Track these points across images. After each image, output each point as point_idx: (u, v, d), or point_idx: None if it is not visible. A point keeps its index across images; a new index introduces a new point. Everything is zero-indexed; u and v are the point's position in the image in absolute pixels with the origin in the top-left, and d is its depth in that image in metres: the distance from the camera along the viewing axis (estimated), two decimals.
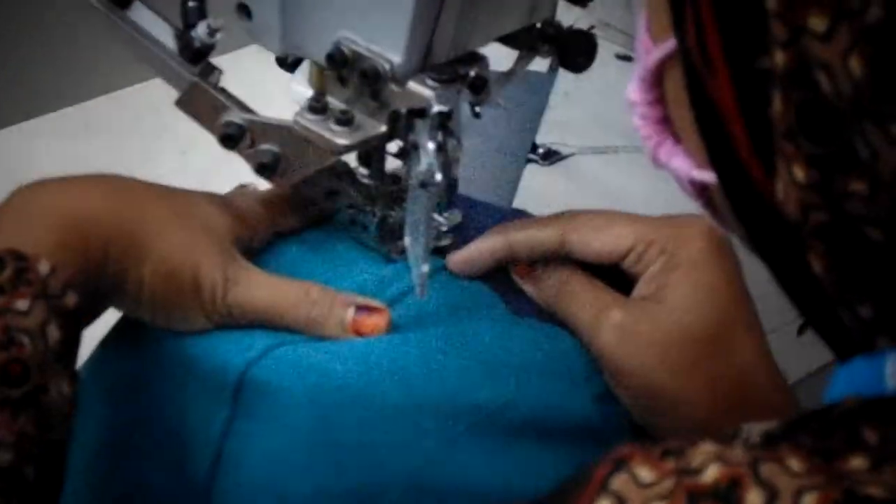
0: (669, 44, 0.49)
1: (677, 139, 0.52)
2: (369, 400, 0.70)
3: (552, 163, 0.96)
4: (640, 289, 0.76)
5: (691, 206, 0.91)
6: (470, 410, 0.71)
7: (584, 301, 0.76)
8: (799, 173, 0.43)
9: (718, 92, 0.45)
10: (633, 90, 0.53)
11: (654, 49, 0.51)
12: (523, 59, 0.77)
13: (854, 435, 0.42)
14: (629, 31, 1.11)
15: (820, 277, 0.45)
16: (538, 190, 0.92)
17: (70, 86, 1.22)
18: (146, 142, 1.04)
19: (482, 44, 0.73)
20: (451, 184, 0.75)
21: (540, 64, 0.79)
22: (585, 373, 0.74)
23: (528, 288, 0.78)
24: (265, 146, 0.73)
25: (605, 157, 0.97)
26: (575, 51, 0.76)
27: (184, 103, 0.74)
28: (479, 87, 0.72)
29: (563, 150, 0.97)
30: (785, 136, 0.43)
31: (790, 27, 0.41)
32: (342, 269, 0.77)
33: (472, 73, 0.72)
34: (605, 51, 1.07)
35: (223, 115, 0.73)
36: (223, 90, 0.74)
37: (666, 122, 0.52)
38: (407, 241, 0.71)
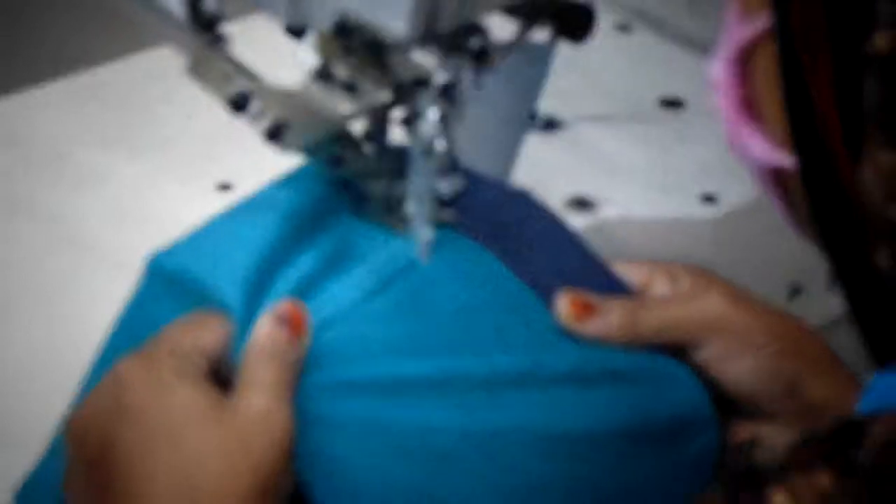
0: (763, 21, 0.48)
1: (757, 122, 0.51)
2: None
3: (552, 131, 0.96)
4: None
5: (686, 173, 0.93)
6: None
7: (663, 303, 0.75)
8: (891, 160, 0.43)
9: (815, 75, 0.44)
10: (718, 69, 0.52)
11: (745, 26, 0.49)
12: (524, 30, 0.77)
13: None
14: (628, 2, 1.11)
15: (883, 271, 0.45)
16: (539, 157, 0.93)
17: (77, 53, 1.22)
18: (152, 107, 1.04)
19: (484, 14, 0.73)
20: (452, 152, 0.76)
21: (541, 36, 0.80)
22: None
23: (594, 327, 0.73)
24: (272, 112, 0.73)
25: (603, 125, 0.97)
26: (574, 22, 0.76)
27: (193, 71, 0.75)
28: (481, 58, 0.72)
29: (564, 119, 0.97)
30: (877, 122, 0.42)
31: None
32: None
33: (475, 44, 0.72)
34: (605, 21, 1.07)
35: (232, 83, 0.74)
36: (231, 58, 0.75)
37: (747, 105, 0.51)
38: (411, 207, 0.72)
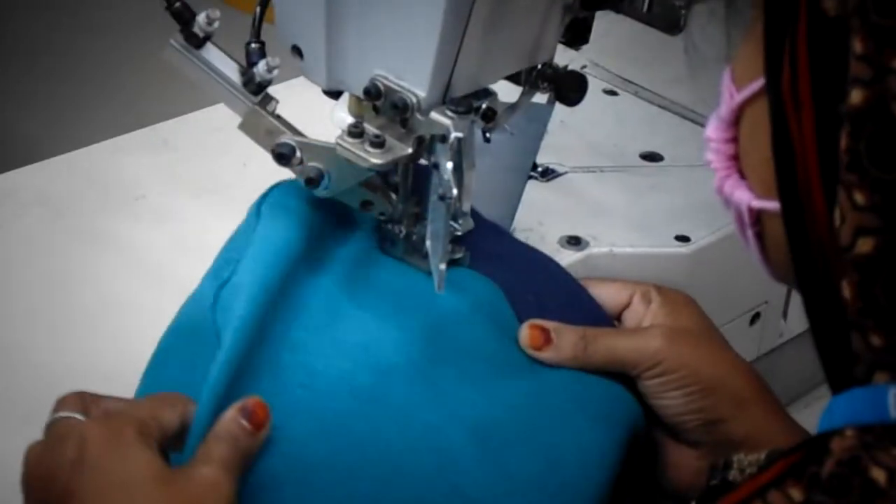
0: (752, 87, 0.48)
1: (742, 175, 0.51)
2: None
3: (549, 179, 0.95)
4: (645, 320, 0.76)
5: (662, 216, 0.91)
6: None
7: (613, 335, 0.75)
8: (860, 198, 0.42)
9: (801, 129, 0.44)
10: (712, 128, 0.51)
11: (737, 93, 0.49)
12: (526, 94, 0.76)
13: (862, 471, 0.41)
14: (615, 71, 1.10)
15: (847, 302, 0.43)
16: (538, 202, 0.92)
17: (151, 109, 1.23)
18: (212, 155, 1.04)
19: (493, 81, 0.73)
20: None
21: (540, 98, 0.79)
22: None
23: (547, 355, 0.73)
24: (312, 163, 0.72)
25: (592, 175, 0.96)
26: (569, 88, 0.76)
27: (245, 127, 0.74)
28: (490, 117, 0.72)
29: (559, 169, 0.96)
30: (849, 167, 0.42)
31: (875, 68, 0.41)
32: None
33: (484, 105, 0.72)
34: (595, 86, 1.06)
35: (278, 138, 0.73)
36: (278, 116, 0.74)
37: (735, 159, 0.51)
38: (428, 244, 0.71)
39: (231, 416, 0.63)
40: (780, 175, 0.46)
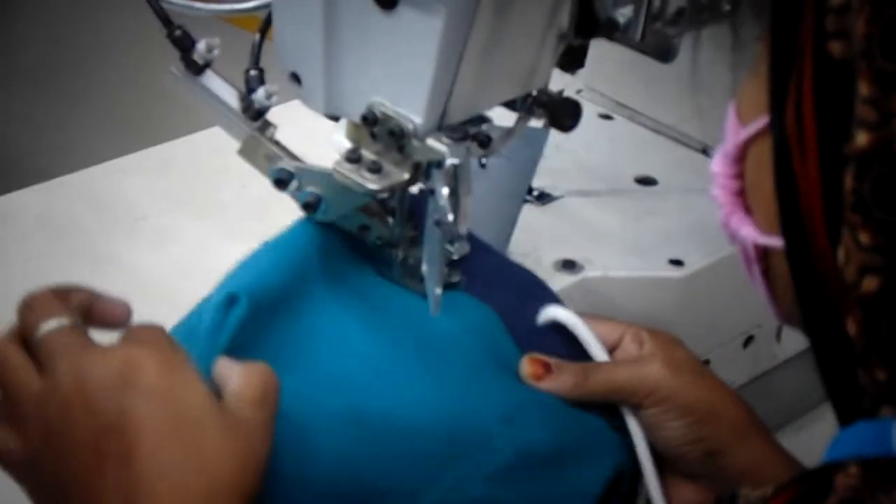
0: (757, 125, 0.48)
1: (747, 210, 0.50)
2: None
3: (545, 203, 0.96)
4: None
5: (656, 240, 0.92)
6: None
7: (613, 365, 0.74)
8: (865, 239, 0.42)
9: (805, 167, 0.44)
10: (717, 163, 0.51)
11: (742, 129, 0.49)
12: (522, 120, 0.77)
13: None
14: (610, 95, 1.11)
15: (853, 338, 0.44)
16: (533, 225, 0.92)
17: (151, 131, 1.23)
18: (211, 176, 1.04)
19: (488, 108, 0.74)
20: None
21: (536, 123, 0.79)
22: None
23: (548, 384, 0.73)
24: (310, 188, 0.73)
25: (587, 199, 0.97)
26: (564, 114, 0.76)
27: (244, 152, 0.75)
28: (485, 143, 0.72)
29: (554, 193, 0.97)
30: (854, 207, 0.42)
31: (881, 112, 0.41)
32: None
33: (480, 131, 0.72)
34: (590, 111, 1.07)
35: (276, 163, 0.74)
36: (277, 142, 0.75)
37: (740, 195, 0.51)
38: (424, 268, 0.71)
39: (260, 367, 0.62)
40: (784, 213, 0.46)
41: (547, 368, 0.73)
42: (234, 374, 0.61)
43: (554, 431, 0.71)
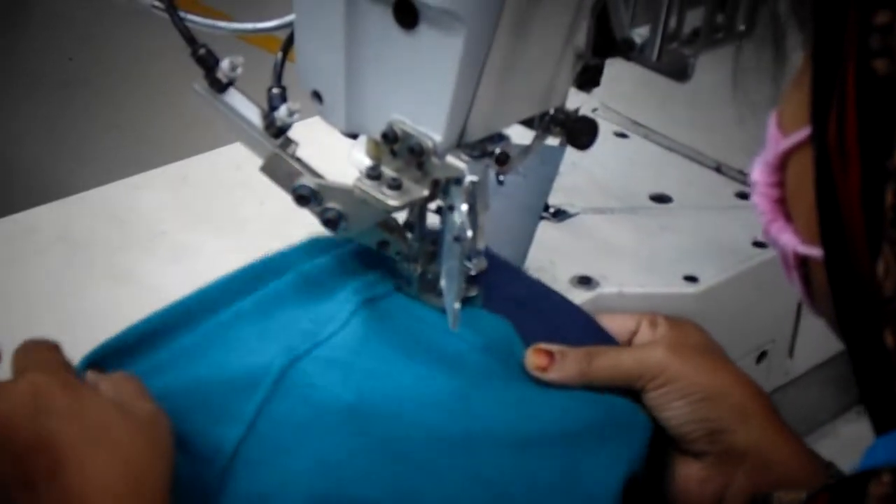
0: (799, 135, 0.48)
1: (788, 218, 0.50)
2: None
3: (561, 220, 0.96)
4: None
5: (671, 257, 0.92)
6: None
7: (616, 350, 0.76)
8: None
9: (846, 181, 0.44)
10: (758, 172, 0.51)
11: (783, 139, 0.49)
12: (539, 138, 0.77)
13: None
14: (625, 113, 1.11)
15: (890, 350, 0.43)
16: (550, 241, 0.93)
17: (171, 147, 1.23)
18: (231, 193, 1.04)
19: (506, 126, 0.74)
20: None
21: (552, 141, 0.80)
22: None
23: (553, 375, 0.74)
24: (331, 204, 0.73)
25: (603, 215, 0.97)
26: (580, 132, 0.76)
27: (267, 170, 0.75)
28: (503, 161, 0.73)
29: (570, 210, 0.97)
30: (893, 223, 0.42)
31: None
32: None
33: (498, 149, 0.73)
34: (606, 129, 1.07)
35: (298, 180, 0.74)
36: (298, 159, 0.75)
37: (781, 203, 0.50)
38: (443, 283, 0.72)
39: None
40: (824, 225, 0.46)
41: (550, 357, 0.74)
42: (102, 381, 0.66)
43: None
